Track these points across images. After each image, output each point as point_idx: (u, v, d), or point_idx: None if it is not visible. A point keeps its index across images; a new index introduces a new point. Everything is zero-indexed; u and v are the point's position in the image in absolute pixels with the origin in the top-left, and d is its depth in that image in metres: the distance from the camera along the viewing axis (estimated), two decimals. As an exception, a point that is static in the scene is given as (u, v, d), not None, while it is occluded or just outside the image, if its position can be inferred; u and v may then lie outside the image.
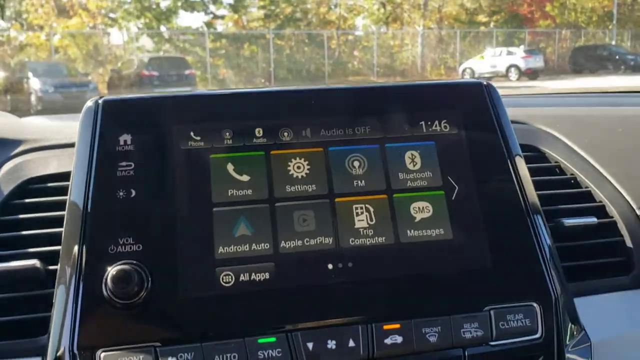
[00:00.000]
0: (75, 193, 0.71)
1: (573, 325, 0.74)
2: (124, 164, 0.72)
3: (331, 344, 0.67)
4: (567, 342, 0.72)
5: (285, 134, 0.76)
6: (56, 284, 0.68)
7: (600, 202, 0.90)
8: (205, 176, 0.73)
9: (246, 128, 0.75)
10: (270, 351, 0.66)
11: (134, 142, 0.73)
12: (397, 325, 0.69)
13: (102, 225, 0.69)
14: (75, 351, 0.64)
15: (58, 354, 0.64)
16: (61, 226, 0.71)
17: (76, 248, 0.68)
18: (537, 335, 0.71)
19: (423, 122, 0.79)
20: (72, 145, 0.76)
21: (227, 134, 0.75)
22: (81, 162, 0.72)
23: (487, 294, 0.72)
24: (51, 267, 0.73)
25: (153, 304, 0.66)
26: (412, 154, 0.78)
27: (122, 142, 0.73)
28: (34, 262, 0.74)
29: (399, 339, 0.68)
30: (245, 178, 0.73)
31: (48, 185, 0.86)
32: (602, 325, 0.77)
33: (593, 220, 0.85)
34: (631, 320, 0.80)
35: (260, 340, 0.66)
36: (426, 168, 0.77)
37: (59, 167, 0.88)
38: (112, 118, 0.75)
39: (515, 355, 0.70)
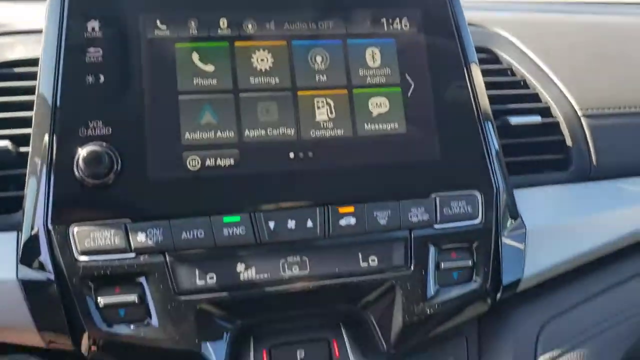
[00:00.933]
0: (45, 78, 0.72)
1: (511, 213, 0.81)
2: (92, 50, 0.73)
3: (291, 224, 0.73)
4: (505, 228, 0.80)
5: (250, 25, 0.78)
6: (29, 164, 0.71)
7: (546, 103, 0.96)
8: (171, 65, 0.75)
9: (211, 18, 0.77)
10: (234, 229, 0.71)
11: (102, 28, 0.74)
12: (351, 209, 0.75)
13: (72, 109, 0.71)
14: (50, 226, 0.68)
15: (33, 228, 0.69)
16: (31, 110, 0.73)
17: (47, 131, 0.70)
18: (477, 221, 0.78)
19: (384, 20, 0.82)
20: (39, 31, 0.77)
21: (193, 23, 0.76)
22: (49, 47, 0.73)
23: (434, 183, 0.78)
24: (22, 149, 0.76)
25: (123, 184, 0.70)
26: (372, 51, 0.81)
27: (90, 29, 0.74)
28: (5, 143, 0.76)
29: (352, 221, 0.75)
30: (210, 68, 0.76)
31: (15, 71, 0.87)
32: (538, 214, 0.84)
33: (537, 119, 0.91)
34: (565, 211, 0.88)
35: (226, 219, 0.71)
36: (385, 65, 0.81)
37: (27, 52, 0.88)
38: (79, 4, 0.75)
39: (456, 237, 0.77)
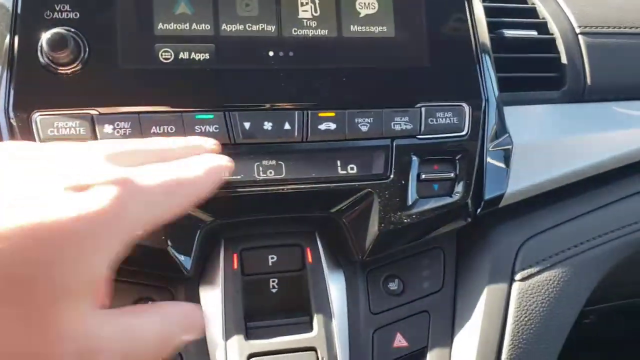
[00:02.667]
0: None
1: (498, 128, 0.78)
2: None
3: (267, 125, 0.70)
4: (491, 143, 0.77)
5: None
6: None
7: (544, 18, 0.92)
8: None
9: None
10: (207, 126, 0.68)
11: None
12: (332, 114, 0.71)
13: None
14: (11, 112, 0.64)
15: None
16: None
17: (9, 12, 0.66)
18: (463, 133, 0.75)
19: None
20: None
21: None
22: None
23: (420, 91, 0.74)
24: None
25: (90, 72, 0.66)
26: (362, -53, 0.76)
27: None
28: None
29: (332, 126, 0.71)
30: (188, -46, 0.71)
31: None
32: (526, 132, 0.81)
33: (533, 33, 0.87)
34: (554, 130, 0.84)
35: (198, 116, 0.68)
36: None
37: None
38: None
39: (440, 149, 0.74)
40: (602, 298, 1.04)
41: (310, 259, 0.74)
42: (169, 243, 0.67)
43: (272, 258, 0.74)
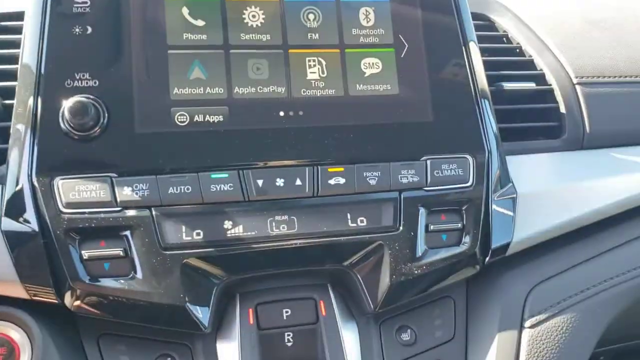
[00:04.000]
0: (31, 29, 0.71)
1: (502, 178, 0.81)
2: (79, 0, 0.72)
3: (279, 182, 0.72)
4: (495, 192, 0.79)
5: None
6: (13, 116, 0.70)
7: (541, 70, 0.95)
8: (161, 18, 0.73)
9: None
10: (222, 185, 0.71)
11: None
12: (341, 169, 0.74)
13: (59, 60, 0.70)
14: (34, 178, 0.67)
15: (18, 181, 0.68)
16: (17, 63, 0.72)
17: (32, 82, 0.69)
18: (468, 184, 0.78)
19: None
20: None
21: None
22: None
23: (425, 145, 0.77)
24: (7, 102, 0.75)
25: (109, 137, 0.69)
26: (366, 10, 0.80)
27: None
28: (-10, 94, 0.75)
29: (341, 180, 0.74)
30: (200, 23, 0.74)
31: (1, 24, 0.85)
32: (529, 180, 0.84)
33: (531, 85, 0.90)
34: (556, 177, 0.87)
35: (213, 175, 0.71)
36: (379, 25, 0.80)
37: (13, 4, 0.86)
38: None
39: (446, 200, 0.77)
40: (614, 339, 1.04)
41: (324, 312, 0.76)
42: (187, 300, 0.69)
43: (287, 312, 0.76)
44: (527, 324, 0.79)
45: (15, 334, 0.68)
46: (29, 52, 0.70)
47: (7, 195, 0.68)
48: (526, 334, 0.78)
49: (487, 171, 0.79)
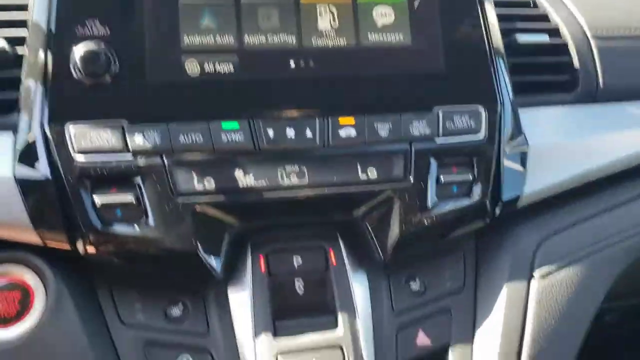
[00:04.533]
0: None
1: (514, 130, 0.80)
2: None
3: (290, 133, 0.72)
4: (507, 144, 0.79)
5: None
6: (25, 64, 0.70)
7: (556, 24, 0.94)
8: None
9: None
10: (233, 135, 0.71)
11: None
12: (352, 120, 0.74)
13: (70, 7, 0.69)
14: (46, 125, 0.67)
15: (30, 128, 0.68)
16: (27, 11, 0.72)
17: (43, 29, 0.69)
18: (480, 136, 0.77)
19: None
20: None
21: None
22: None
23: (437, 96, 0.77)
24: (19, 50, 0.74)
25: (121, 85, 0.69)
26: (378, -42, 0.78)
27: None
28: (2, 44, 0.75)
29: (352, 132, 0.74)
30: (210, -29, 0.74)
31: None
32: (541, 133, 0.83)
33: (545, 38, 0.89)
34: (569, 130, 0.86)
35: (224, 125, 0.70)
36: None
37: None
38: None
39: (458, 151, 0.77)
40: (622, 294, 1.05)
41: (334, 261, 0.77)
42: (199, 246, 0.70)
43: (298, 260, 0.77)
44: (537, 275, 0.79)
45: (30, 279, 0.69)
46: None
47: (20, 143, 0.68)
48: (535, 285, 0.79)
49: (499, 123, 0.78)
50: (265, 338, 0.72)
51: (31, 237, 0.69)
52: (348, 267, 0.77)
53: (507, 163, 0.79)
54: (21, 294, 0.69)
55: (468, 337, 0.79)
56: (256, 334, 0.72)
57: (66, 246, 0.69)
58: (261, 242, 0.77)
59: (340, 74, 0.75)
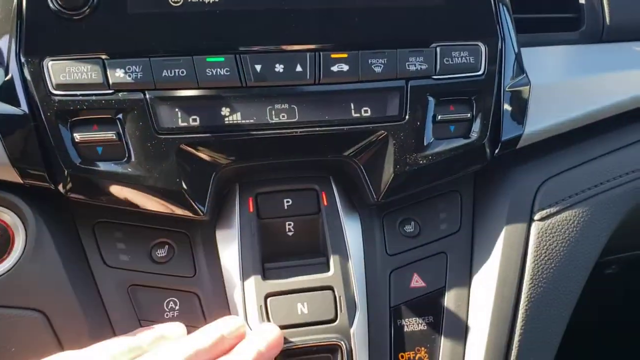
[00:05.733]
0: None
1: (515, 68, 0.76)
2: None
3: (279, 67, 0.69)
4: (507, 83, 0.75)
5: None
6: None
7: (561, -42, 0.89)
8: None
9: None
10: (218, 70, 0.67)
11: None
12: (345, 55, 0.70)
13: None
14: (23, 58, 0.64)
15: (6, 62, 0.65)
16: None
17: None
18: (479, 73, 0.74)
19: None
20: None
21: None
22: None
23: (435, 31, 0.73)
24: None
25: (101, 17, 0.65)
26: None
27: None
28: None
29: (345, 67, 0.70)
30: None
31: None
32: (544, 72, 0.80)
33: (550, -29, 0.85)
34: (572, 70, 0.83)
35: (209, 59, 0.67)
36: None
37: None
38: None
39: (456, 89, 0.73)
40: (623, 247, 1.03)
41: (325, 202, 0.74)
42: (184, 185, 0.67)
43: (288, 202, 0.74)
44: (537, 217, 0.76)
45: (8, 218, 0.67)
46: None
47: (-5, 76, 0.65)
48: (535, 226, 0.76)
49: (499, 60, 0.75)
50: (254, 280, 0.69)
51: (10, 174, 0.66)
52: (340, 208, 0.74)
53: (507, 102, 0.75)
54: (1, 234, 0.66)
55: (464, 280, 0.76)
56: (244, 276, 0.70)
57: (46, 184, 0.66)
58: (250, 183, 0.74)
59: (333, 5, 0.70)
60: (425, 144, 0.72)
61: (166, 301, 0.70)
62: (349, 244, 0.73)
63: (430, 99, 0.73)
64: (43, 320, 0.65)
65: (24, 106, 0.65)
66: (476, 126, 0.74)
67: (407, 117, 0.72)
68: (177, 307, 0.70)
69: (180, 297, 0.70)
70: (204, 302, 0.70)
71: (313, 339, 0.68)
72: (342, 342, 0.68)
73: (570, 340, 0.81)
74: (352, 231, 0.74)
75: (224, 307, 0.70)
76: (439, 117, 0.73)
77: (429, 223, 0.78)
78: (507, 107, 0.75)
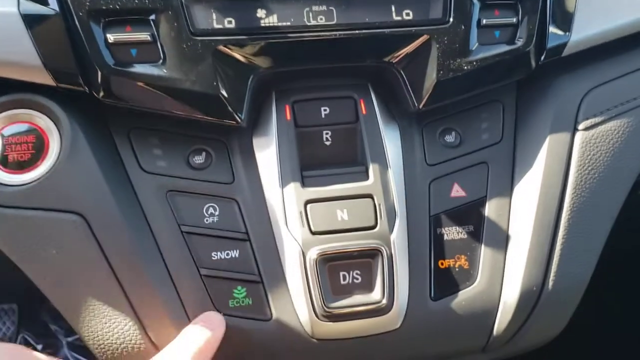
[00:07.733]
0: None
1: None
2: None
3: None
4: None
5: None
6: None
7: None
8: None
9: None
10: None
11: None
12: None
13: None
14: None
15: None
16: None
17: None
18: None
19: None
20: None
21: None
22: None
23: None
24: None
25: None
26: None
27: None
28: None
29: None
30: None
31: None
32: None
33: None
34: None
35: None
36: None
37: None
38: None
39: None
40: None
41: (364, 110, 0.72)
42: (221, 89, 0.65)
43: (325, 110, 0.72)
44: (581, 126, 0.74)
45: (42, 122, 0.65)
46: None
47: (23, -28, 0.62)
48: (579, 136, 0.74)
49: None
50: (294, 187, 0.68)
51: (43, 77, 0.64)
52: (379, 117, 0.72)
53: (554, 7, 0.72)
54: (35, 138, 0.65)
55: (506, 189, 0.75)
56: (283, 183, 0.69)
57: (80, 88, 0.64)
58: (287, 91, 0.72)
59: None
60: (469, 49, 0.69)
61: (205, 207, 0.69)
62: (388, 153, 0.71)
63: (475, 1, 0.69)
64: (82, 224, 0.64)
65: (54, 4, 0.62)
66: (522, 32, 0.71)
67: (451, 20, 0.68)
68: (217, 213, 0.69)
69: (220, 203, 0.69)
70: (243, 208, 0.70)
71: (354, 244, 0.67)
72: (382, 248, 0.67)
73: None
74: (391, 141, 0.72)
75: (263, 213, 0.70)
76: (484, 21, 0.70)
77: (470, 133, 0.76)
78: (553, 12, 0.72)
